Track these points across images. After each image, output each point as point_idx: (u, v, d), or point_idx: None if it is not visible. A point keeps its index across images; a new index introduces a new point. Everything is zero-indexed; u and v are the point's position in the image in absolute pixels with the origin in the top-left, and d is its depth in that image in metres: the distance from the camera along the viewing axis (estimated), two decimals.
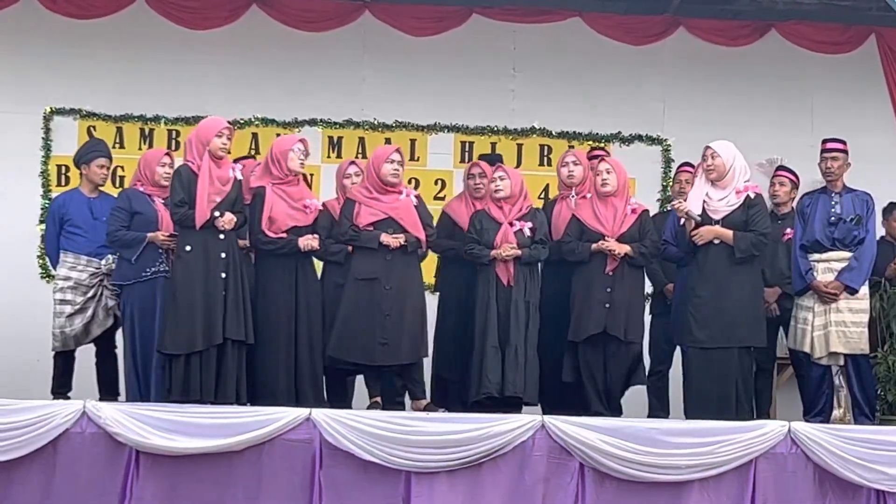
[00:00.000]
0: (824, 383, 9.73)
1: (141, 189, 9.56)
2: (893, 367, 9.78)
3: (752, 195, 9.49)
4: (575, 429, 8.73)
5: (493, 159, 10.44)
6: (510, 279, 9.43)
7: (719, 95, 12.34)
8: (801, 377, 9.94)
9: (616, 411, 9.50)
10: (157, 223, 9.38)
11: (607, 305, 9.47)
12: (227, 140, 9.19)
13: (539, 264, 9.65)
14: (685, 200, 9.54)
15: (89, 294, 9.59)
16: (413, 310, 9.28)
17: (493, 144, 12.19)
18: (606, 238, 9.54)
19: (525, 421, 8.76)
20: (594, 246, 9.53)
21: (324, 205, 9.69)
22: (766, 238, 9.44)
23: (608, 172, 9.69)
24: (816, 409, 9.71)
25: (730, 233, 9.37)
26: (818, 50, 12.30)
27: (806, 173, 10.56)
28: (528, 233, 9.53)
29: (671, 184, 11.26)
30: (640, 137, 12.35)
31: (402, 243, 9.26)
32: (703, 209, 9.46)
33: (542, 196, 11.77)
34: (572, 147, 11.82)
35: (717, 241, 9.38)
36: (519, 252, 9.43)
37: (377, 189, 9.41)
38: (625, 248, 9.53)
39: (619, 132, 12.32)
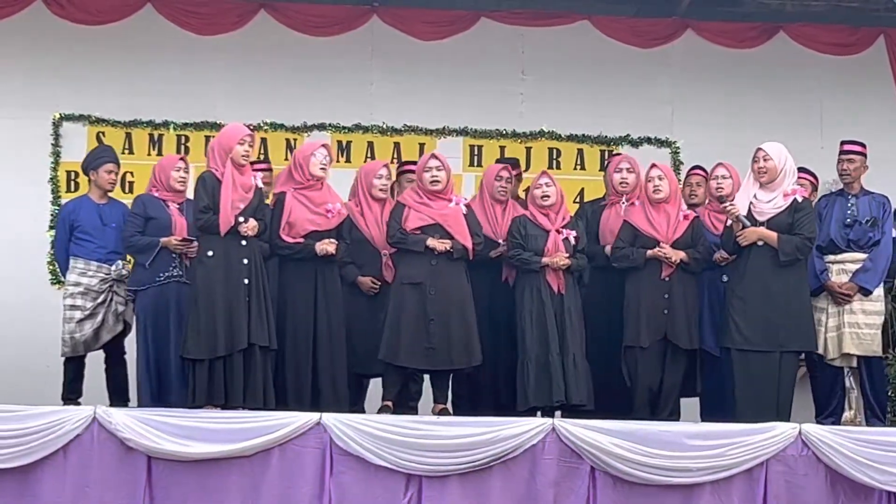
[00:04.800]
0: (836, 385, 9.71)
1: (156, 194, 9.60)
2: None
3: (800, 199, 9.38)
4: (585, 432, 8.72)
5: (513, 163, 10.43)
6: (561, 287, 9.40)
7: (728, 97, 12.33)
8: (815, 378, 9.91)
9: (673, 415, 9.45)
10: (171, 228, 9.42)
11: (666, 311, 9.44)
12: (249, 147, 9.20)
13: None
14: (733, 202, 9.43)
15: (99, 300, 9.60)
16: (460, 315, 9.23)
17: (502, 148, 12.19)
18: (662, 244, 9.52)
19: (535, 424, 8.76)
20: (650, 252, 9.49)
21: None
22: (811, 242, 9.32)
23: (660, 179, 9.67)
24: (828, 411, 9.69)
25: (774, 235, 9.26)
26: (827, 52, 12.29)
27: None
28: (573, 241, 9.51)
29: (681, 187, 11.22)
30: (648, 140, 12.33)
31: (448, 249, 9.25)
32: (749, 211, 9.39)
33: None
34: (581, 150, 11.83)
35: (760, 243, 9.31)
36: (570, 262, 9.41)
37: (427, 195, 9.41)
38: (680, 255, 9.49)
39: (628, 135, 12.30)
